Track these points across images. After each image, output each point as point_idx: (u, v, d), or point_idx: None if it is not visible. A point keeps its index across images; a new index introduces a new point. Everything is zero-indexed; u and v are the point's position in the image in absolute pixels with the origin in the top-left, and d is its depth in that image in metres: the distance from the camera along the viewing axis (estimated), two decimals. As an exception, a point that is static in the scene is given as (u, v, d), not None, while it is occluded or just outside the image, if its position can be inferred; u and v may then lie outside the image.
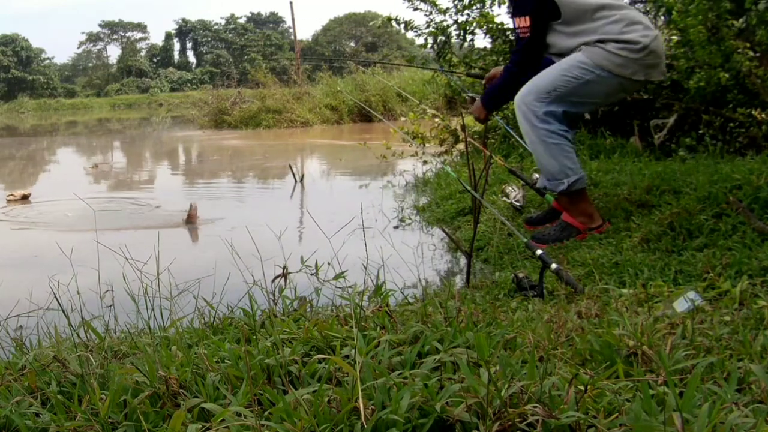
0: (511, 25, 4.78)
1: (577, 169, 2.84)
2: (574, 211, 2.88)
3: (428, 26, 5.00)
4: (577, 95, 2.81)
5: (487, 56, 5.00)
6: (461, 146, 5.52)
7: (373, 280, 1.86)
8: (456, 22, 4.95)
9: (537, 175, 3.52)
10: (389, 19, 5.22)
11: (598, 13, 2.80)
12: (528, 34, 2.87)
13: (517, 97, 2.88)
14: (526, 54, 2.93)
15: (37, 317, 1.73)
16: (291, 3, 19.62)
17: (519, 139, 3.26)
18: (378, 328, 1.47)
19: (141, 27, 62.44)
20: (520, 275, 2.21)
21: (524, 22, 2.86)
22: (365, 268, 1.85)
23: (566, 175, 2.82)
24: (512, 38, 4.85)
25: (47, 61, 57.15)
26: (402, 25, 5.10)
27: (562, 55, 2.88)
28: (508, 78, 3.01)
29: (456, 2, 4.92)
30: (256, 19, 65.21)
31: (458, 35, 5.01)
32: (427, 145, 5.88)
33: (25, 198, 5.61)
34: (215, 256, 3.08)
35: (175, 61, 61.18)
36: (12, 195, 5.59)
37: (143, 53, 61.42)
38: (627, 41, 2.76)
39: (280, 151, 9.61)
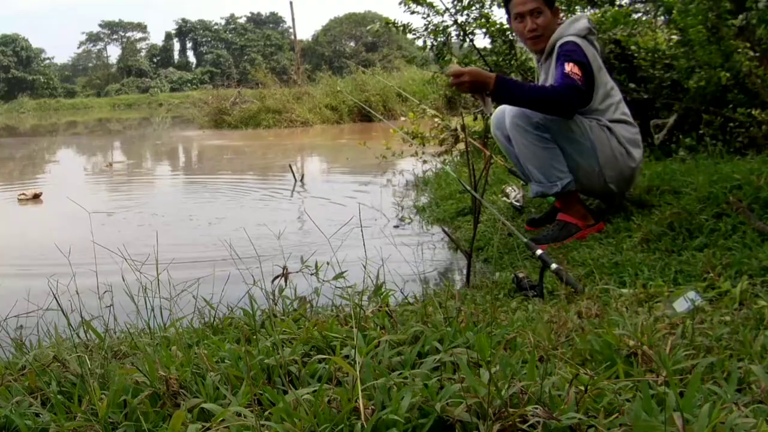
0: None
1: (567, 174, 2.85)
2: (569, 211, 2.90)
3: (426, 29, 4.99)
4: (565, 139, 2.84)
5: (487, 56, 4.99)
6: (461, 146, 5.52)
7: (372, 280, 1.86)
8: (455, 22, 4.94)
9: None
10: (387, 23, 5.21)
11: (610, 102, 2.86)
12: (580, 80, 2.71)
13: (513, 109, 2.84)
14: (575, 98, 2.73)
15: (37, 317, 1.73)
16: (291, 3, 19.63)
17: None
18: (378, 328, 1.47)
19: (141, 27, 62.52)
20: (520, 275, 2.21)
21: (574, 68, 2.73)
22: (365, 268, 1.85)
23: (558, 178, 2.84)
24: (512, 38, 4.85)
25: (47, 61, 57.22)
26: (400, 29, 5.09)
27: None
28: (545, 97, 2.73)
29: (455, 2, 4.91)
30: (256, 19, 65.24)
31: (458, 35, 5.01)
32: (426, 145, 5.88)
33: (36, 197, 5.58)
34: (215, 256, 3.08)
35: (175, 61, 61.23)
36: (23, 194, 5.55)
37: (143, 53, 61.46)
38: (629, 151, 2.87)
39: (281, 151, 9.60)
